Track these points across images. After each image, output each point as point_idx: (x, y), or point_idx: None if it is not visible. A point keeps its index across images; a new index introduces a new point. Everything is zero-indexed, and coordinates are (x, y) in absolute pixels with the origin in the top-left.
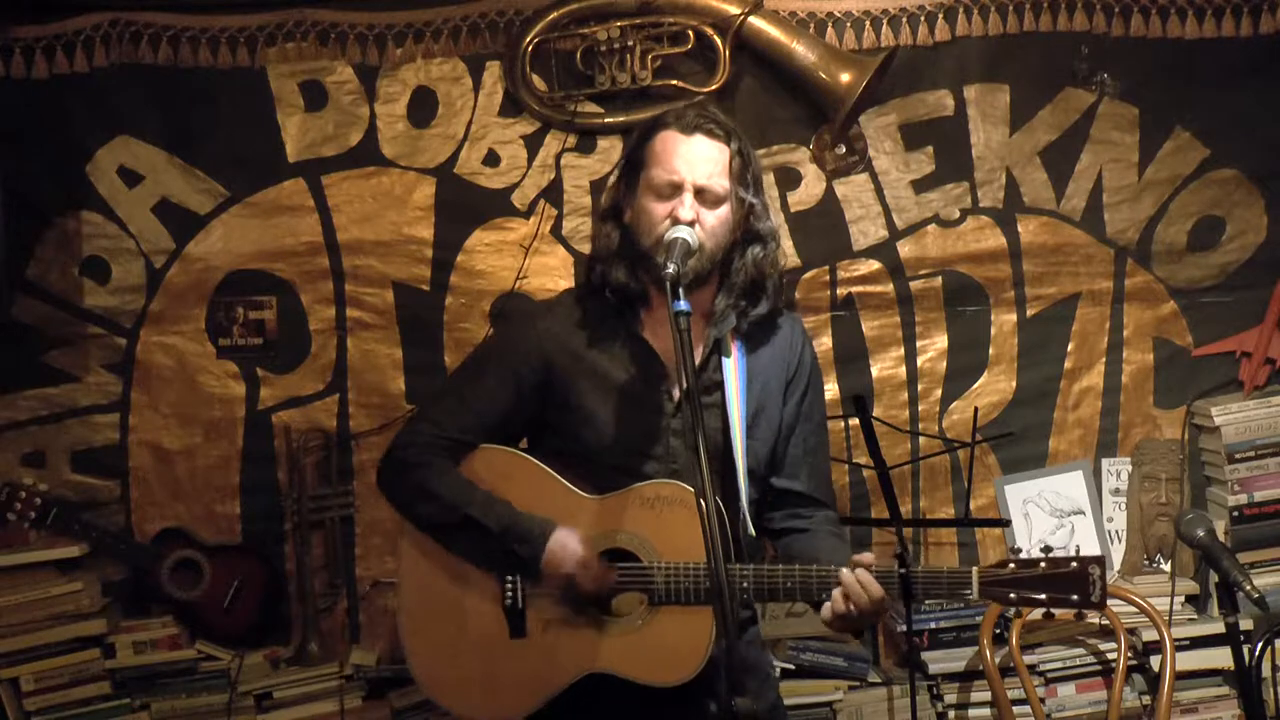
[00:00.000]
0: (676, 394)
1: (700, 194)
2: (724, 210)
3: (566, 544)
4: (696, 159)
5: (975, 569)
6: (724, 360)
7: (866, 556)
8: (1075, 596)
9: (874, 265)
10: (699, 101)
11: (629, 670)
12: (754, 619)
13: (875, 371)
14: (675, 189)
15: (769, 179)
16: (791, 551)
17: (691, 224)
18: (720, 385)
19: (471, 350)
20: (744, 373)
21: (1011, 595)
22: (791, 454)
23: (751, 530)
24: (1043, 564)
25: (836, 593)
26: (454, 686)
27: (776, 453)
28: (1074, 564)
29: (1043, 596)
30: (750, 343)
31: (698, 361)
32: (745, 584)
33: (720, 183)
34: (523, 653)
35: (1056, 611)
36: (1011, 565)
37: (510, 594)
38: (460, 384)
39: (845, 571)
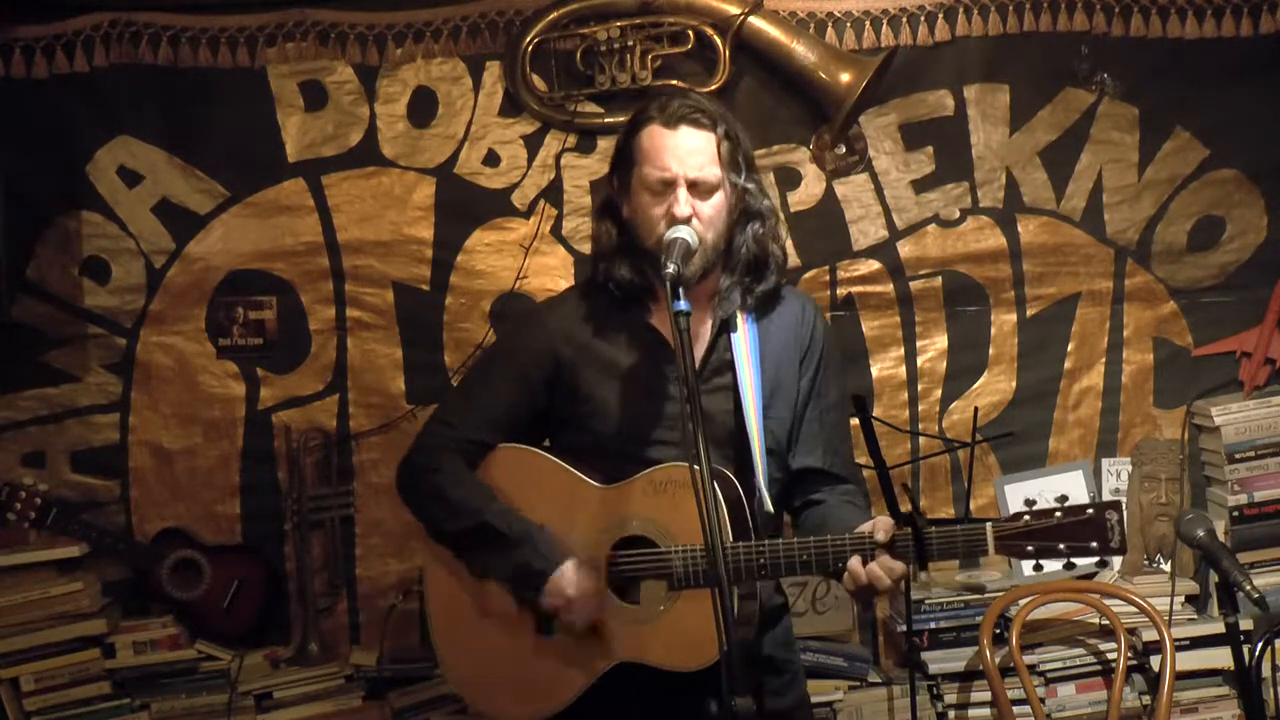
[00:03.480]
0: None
1: (693, 186)
2: (719, 198)
3: (577, 572)
4: (685, 152)
5: (989, 524)
6: (733, 337)
7: (883, 523)
8: (1094, 544)
9: (874, 265)
10: (682, 89)
11: (653, 658)
12: (786, 607)
13: (875, 371)
14: (668, 185)
15: (769, 179)
16: (806, 525)
17: (689, 219)
18: (731, 365)
19: (483, 350)
20: (757, 351)
21: (1029, 548)
22: (807, 431)
23: (769, 507)
24: (1058, 514)
25: (846, 578)
26: (487, 688)
27: (794, 430)
28: (1090, 510)
29: (1062, 546)
30: (761, 322)
31: (706, 342)
32: (763, 560)
33: (712, 172)
34: (551, 650)
35: (1078, 561)
36: (1026, 518)
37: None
38: (472, 384)
39: (861, 561)
